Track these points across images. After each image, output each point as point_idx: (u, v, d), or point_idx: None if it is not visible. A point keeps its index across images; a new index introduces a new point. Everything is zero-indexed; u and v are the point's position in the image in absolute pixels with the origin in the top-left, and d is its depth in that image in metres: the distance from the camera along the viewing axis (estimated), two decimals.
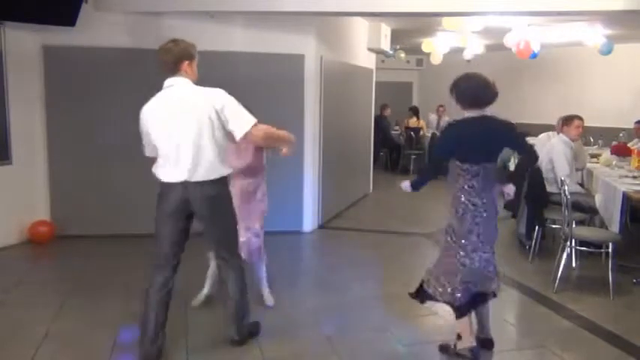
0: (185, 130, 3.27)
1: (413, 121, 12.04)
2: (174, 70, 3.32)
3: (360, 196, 8.82)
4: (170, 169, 3.33)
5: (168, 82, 3.35)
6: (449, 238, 3.55)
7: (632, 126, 8.28)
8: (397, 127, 12.76)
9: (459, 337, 3.59)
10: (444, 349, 3.69)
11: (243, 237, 4.02)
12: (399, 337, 3.88)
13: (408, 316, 4.29)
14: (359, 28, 8.51)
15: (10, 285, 4.76)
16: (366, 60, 9.06)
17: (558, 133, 6.12)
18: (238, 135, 3.33)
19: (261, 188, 4.21)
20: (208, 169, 3.32)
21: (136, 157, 6.09)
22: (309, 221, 6.85)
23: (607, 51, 9.18)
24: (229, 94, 3.44)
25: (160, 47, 3.34)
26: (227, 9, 5.79)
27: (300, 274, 5.21)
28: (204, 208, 3.36)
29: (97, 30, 5.97)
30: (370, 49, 9.17)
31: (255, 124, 3.34)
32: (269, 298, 4.40)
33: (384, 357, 3.64)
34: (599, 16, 7.53)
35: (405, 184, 3.73)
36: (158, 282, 3.43)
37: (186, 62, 3.34)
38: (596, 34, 9.03)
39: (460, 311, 3.51)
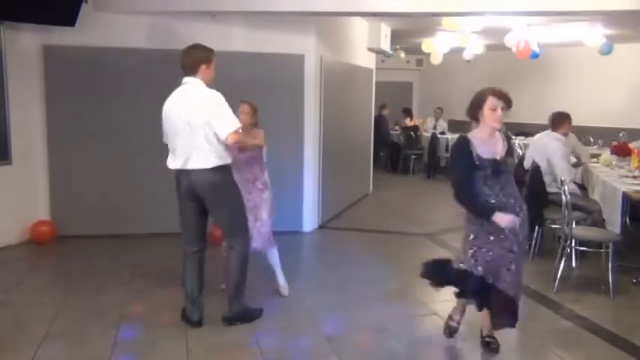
0: (183, 124, 3.67)
1: (407, 121, 12.31)
2: (192, 71, 3.73)
3: (360, 196, 8.82)
4: (172, 158, 3.80)
5: (184, 80, 3.77)
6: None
7: (632, 126, 8.28)
8: (397, 127, 12.77)
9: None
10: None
11: (253, 227, 4.18)
12: (399, 337, 3.89)
13: (408, 316, 4.29)
14: (359, 28, 8.51)
15: (11, 285, 4.76)
16: (366, 60, 9.05)
17: (553, 130, 6.03)
18: (220, 137, 3.67)
19: (261, 179, 4.34)
20: (201, 158, 3.67)
21: (136, 157, 6.19)
22: (309, 221, 6.85)
23: (607, 51, 9.18)
24: (229, 94, 3.78)
25: (183, 50, 3.77)
26: (227, 9, 5.79)
27: (299, 274, 5.21)
28: (206, 193, 3.75)
29: (96, 30, 5.96)
30: (370, 49, 9.17)
31: (235, 131, 3.65)
32: (285, 288, 4.52)
33: (384, 357, 3.64)
34: (599, 16, 7.53)
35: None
36: (189, 253, 3.94)
37: (204, 66, 3.74)
38: (596, 34, 9.03)
39: None
